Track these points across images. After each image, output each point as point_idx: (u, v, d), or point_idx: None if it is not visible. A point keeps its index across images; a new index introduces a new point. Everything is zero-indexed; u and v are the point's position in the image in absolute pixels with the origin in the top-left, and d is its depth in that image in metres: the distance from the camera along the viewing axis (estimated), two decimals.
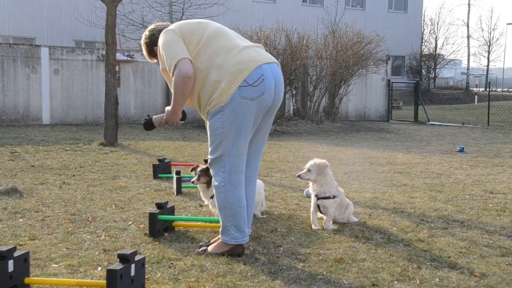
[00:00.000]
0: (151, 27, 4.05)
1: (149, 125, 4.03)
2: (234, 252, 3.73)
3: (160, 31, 3.90)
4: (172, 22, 23.13)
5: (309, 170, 4.50)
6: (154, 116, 4.04)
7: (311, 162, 4.54)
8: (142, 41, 4.04)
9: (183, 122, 3.94)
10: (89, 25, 23.74)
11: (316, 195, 4.57)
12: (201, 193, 4.69)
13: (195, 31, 3.72)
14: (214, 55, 3.65)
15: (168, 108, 3.86)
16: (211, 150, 3.73)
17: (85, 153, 9.19)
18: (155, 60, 4.04)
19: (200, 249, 3.83)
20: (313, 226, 4.52)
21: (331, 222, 4.55)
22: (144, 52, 4.10)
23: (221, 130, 3.64)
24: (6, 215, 4.81)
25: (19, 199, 5.48)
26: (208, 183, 4.45)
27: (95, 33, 24.38)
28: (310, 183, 4.62)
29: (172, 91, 3.76)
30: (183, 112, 3.90)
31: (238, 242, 3.74)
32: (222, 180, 3.69)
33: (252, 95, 3.60)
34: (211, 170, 3.81)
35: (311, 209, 4.63)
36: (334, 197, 4.53)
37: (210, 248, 3.79)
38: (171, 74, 3.66)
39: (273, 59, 3.80)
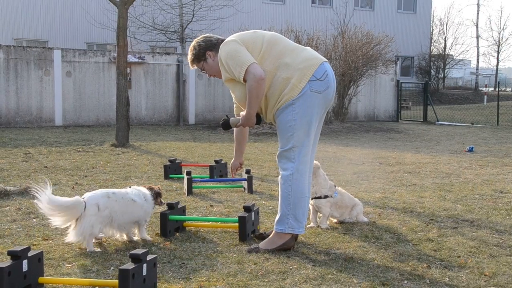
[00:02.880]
0: (206, 35, 4.13)
1: (226, 125, 4.12)
2: (288, 246, 3.85)
3: (217, 39, 4.01)
4: (182, 24, 23.01)
5: None
6: (231, 118, 4.11)
7: None
8: (194, 44, 4.05)
9: (258, 125, 4.03)
10: (100, 27, 23.89)
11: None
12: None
13: (255, 39, 3.91)
14: (280, 56, 3.86)
15: (243, 113, 3.94)
16: (282, 143, 3.90)
17: (97, 154, 9.27)
18: (195, 67, 4.10)
19: (253, 246, 3.91)
20: (311, 224, 4.64)
21: (328, 221, 4.64)
22: (190, 56, 4.06)
23: (293, 122, 3.81)
24: (20, 215, 4.88)
25: (33, 199, 5.53)
26: None
27: (106, 36, 24.56)
28: None
29: (233, 96, 3.96)
30: (258, 116, 4.00)
31: (294, 231, 3.87)
32: (292, 168, 3.83)
33: (320, 89, 3.83)
34: (278, 163, 3.94)
35: (310, 209, 4.70)
36: (326, 196, 4.59)
37: (261, 245, 3.90)
38: (241, 80, 3.77)
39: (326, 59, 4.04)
